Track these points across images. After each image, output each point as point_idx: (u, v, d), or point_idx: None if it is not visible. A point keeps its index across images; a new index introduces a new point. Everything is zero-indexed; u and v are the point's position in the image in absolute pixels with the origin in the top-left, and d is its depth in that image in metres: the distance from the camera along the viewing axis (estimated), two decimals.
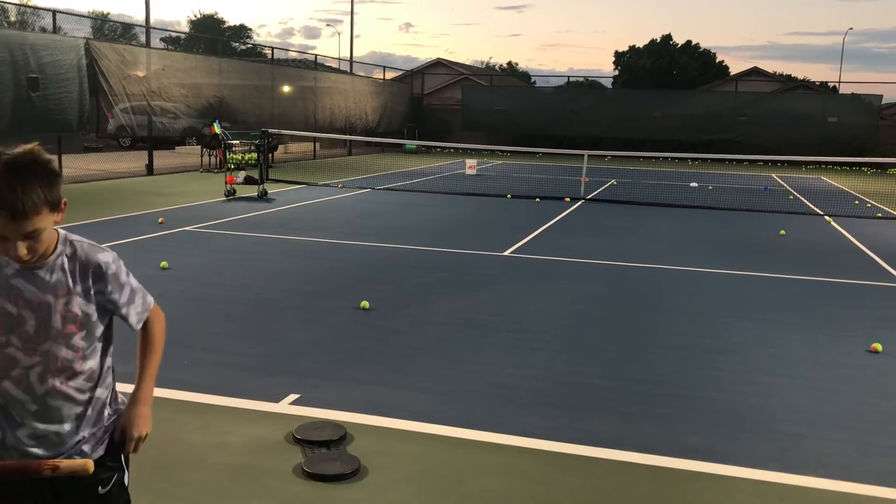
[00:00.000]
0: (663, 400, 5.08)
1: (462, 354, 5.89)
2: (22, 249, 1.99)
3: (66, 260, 2.13)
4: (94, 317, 2.16)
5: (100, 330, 2.20)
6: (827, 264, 10.14)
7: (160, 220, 11.73)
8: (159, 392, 4.86)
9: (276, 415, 4.60)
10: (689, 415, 4.84)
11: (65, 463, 1.63)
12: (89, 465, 1.64)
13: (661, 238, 11.95)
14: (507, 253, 10.23)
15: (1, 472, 1.71)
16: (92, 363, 2.19)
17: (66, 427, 2.17)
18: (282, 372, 5.36)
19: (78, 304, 2.12)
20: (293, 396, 4.88)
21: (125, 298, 2.21)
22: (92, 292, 2.14)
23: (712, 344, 6.37)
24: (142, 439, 2.28)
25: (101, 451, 2.27)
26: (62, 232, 2.17)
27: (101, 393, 2.23)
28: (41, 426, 2.14)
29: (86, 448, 2.21)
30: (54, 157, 2.05)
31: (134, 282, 2.26)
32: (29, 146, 2.01)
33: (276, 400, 4.82)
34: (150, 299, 2.32)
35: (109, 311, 2.21)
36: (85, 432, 2.20)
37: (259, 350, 5.83)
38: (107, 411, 2.25)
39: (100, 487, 2.25)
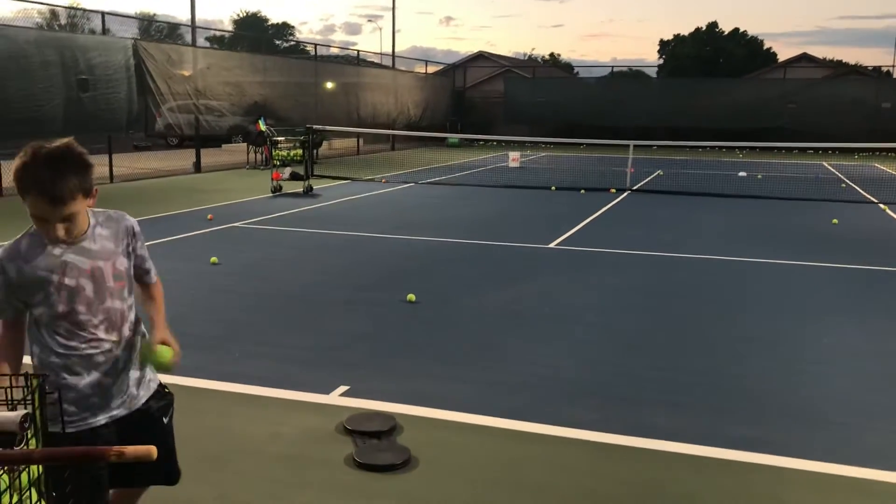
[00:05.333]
0: (714, 390, 5.01)
1: (509, 346, 5.89)
2: (60, 231, 2.31)
3: (101, 228, 2.46)
4: (130, 271, 2.54)
5: (131, 283, 2.57)
6: (882, 252, 9.89)
7: (209, 216, 11.91)
8: (212, 384, 4.95)
9: (327, 406, 4.65)
10: (741, 406, 4.77)
11: (129, 449, 1.67)
12: (153, 451, 1.68)
13: (710, 228, 11.78)
14: (552, 245, 10.18)
15: (68, 458, 1.77)
16: (132, 312, 2.55)
17: (127, 372, 2.52)
18: (331, 364, 5.41)
19: (121, 262, 2.49)
20: (343, 388, 4.92)
21: (146, 254, 2.63)
22: (129, 250, 2.52)
23: (764, 334, 6.26)
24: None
25: (154, 385, 2.66)
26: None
27: (136, 339, 2.59)
28: (108, 377, 2.47)
29: (141, 391, 2.59)
30: (85, 150, 2.38)
31: None
32: (64, 140, 2.31)
33: (327, 392, 4.86)
34: None
35: (135, 265, 2.57)
36: (136, 373, 2.57)
37: (308, 343, 5.89)
38: None
39: (164, 419, 2.65)
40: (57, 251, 2.35)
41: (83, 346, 2.40)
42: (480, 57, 46.79)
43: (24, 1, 16.35)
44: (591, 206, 14.10)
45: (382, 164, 23.17)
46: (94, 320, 2.40)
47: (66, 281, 2.35)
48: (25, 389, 1.91)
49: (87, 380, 2.42)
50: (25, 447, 1.78)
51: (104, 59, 16.71)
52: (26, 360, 2.49)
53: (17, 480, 1.82)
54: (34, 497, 1.89)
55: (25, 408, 1.86)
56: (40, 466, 1.91)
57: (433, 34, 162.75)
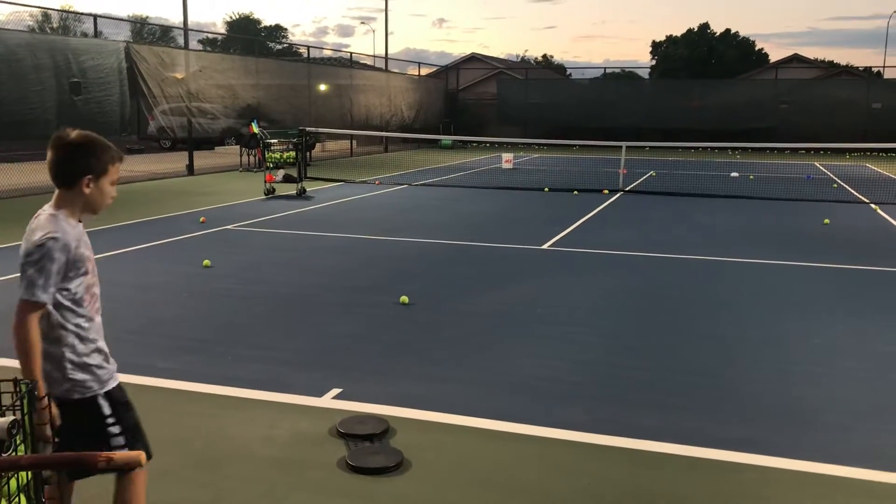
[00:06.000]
0: (705, 391, 5.03)
1: (502, 347, 5.89)
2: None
3: None
4: None
5: None
6: (873, 253, 9.93)
7: (202, 219, 11.89)
8: (205, 388, 4.94)
9: (320, 409, 4.65)
10: (732, 406, 4.78)
11: (118, 455, 1.67)
12: (142, 456, 1.68)
13: (702, 229, 11.82)
14: (545, 246, 10.20)
15: (59, 464, 1.77)
16: None
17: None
18: (324, 366, 5.41)
19: None
20: (336, 391, 4.92)
21: None
22: None
23: (755, 335, 6.28)
24: None
25: None
26: None
27: None
28: (102, 343, 2.79)
29: None
30: None
31: None
32: (69, 130, 2.62)
33: (320, 394, 4.86)
34: None
35: None
36: None
37: (301, 345, 5.89)
38: None
39: None
40: (79, 229, 2.65)
41: (97, 315, 2.75)
42: (473, 59, 46.86)
43: (15, 4, 16.30)
44: (584, 207, 14.13)
45: (376, 165, 23.17)
46: (97, 288, 2.76)
47: (88, 254, 2.68)
48: (14, 395, 1.90)
49: (102, 342, 2.78)
50: (14, 453, 1.78)
51: (96, 62, 16.68)
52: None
53: (6, 486, 1.82)
54: (23, 502, 1.89)
55: (14, 414, 1.86)
56: (29, 472, 1.91)
57: (426, 36, 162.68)
